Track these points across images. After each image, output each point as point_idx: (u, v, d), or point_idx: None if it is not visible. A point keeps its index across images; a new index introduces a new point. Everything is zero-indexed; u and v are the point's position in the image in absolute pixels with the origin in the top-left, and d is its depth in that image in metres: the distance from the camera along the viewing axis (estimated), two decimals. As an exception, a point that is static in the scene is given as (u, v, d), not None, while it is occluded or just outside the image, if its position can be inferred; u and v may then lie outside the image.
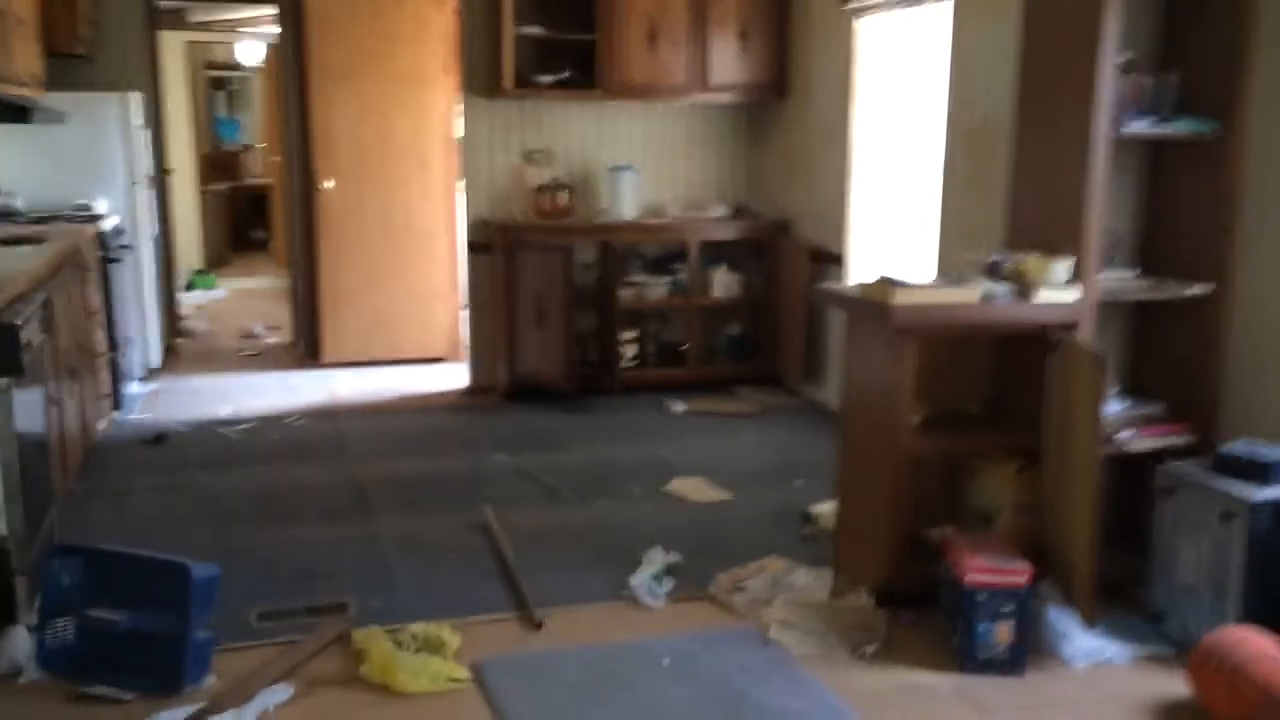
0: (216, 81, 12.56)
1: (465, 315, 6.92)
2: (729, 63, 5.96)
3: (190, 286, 9.77)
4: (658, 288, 6.06)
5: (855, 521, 3.55)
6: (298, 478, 4.64)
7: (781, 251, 6.06)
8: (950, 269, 4.52)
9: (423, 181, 6.79)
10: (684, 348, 6.17)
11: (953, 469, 3.62)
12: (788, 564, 3.74)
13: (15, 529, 2.98)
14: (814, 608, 3.40)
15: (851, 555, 3.57)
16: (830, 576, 3.62)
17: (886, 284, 3.21)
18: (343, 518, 4.17)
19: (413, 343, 6.92)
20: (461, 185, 6.38)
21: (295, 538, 3.94)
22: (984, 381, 3.62)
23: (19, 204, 5.85)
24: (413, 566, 3.68)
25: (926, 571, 3.37)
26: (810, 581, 3.59)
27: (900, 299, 3.14)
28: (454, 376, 6.54)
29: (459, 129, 6.53)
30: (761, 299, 6.22)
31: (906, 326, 3.17)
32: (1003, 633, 3.06)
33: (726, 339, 6.32)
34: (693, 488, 4.54)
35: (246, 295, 9.66)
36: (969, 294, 3.21)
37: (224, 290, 9.86)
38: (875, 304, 3.24)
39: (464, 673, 2.96)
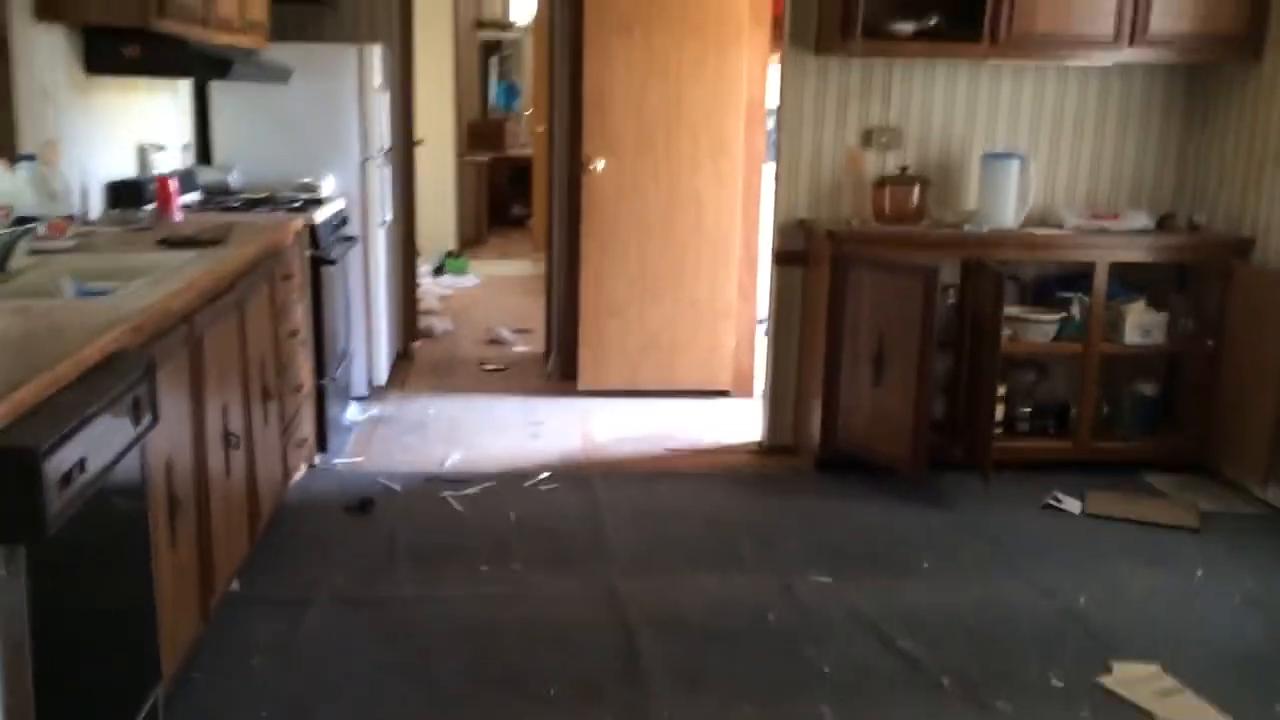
0: (489, 44, 11.52)
1: (761, 339, 5.37)
2: (1176, 2, 4.07)
3: (439, 270, 8.73)
4: (1041, 326, 4.28)
5: None
6: (537, 599, 3.21)
7: (1236, 283, 4.14)
8: None
9: (718, 166, 5.24)
10: (1071, 412, 4.38)
11: None
12: None
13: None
14: None
15: None
16: None
17: None
18: (600, 698, 2.70)
19: (691, 370, 5.43)
20: (770, 173, 4.80)
21: (525, 737, 2.51)
22: None
23: (234, 179, 4.76)
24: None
25: None
26: None
27: None
28: (741, 421, 5.00)
29: (772, 97, 4.96)
30: (1194, 349, 4.32)
31: None
32: None
33: (1134, 402, 4.46)
34: (1151, 688, 2.79)
35: (500, 284, 8.50)
36: None
37: (476, 277, 8.74)
38: None
39: None
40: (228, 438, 2.90)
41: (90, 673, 1.91)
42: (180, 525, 2.48)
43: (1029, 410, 4.41)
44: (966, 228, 4.22)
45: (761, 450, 4.64)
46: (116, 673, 2.04)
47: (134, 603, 2.13)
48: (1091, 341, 4.23)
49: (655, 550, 3.58)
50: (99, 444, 1.81)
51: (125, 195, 3.86)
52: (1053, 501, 4.01)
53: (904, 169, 4.38)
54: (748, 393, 5.42)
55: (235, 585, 3.15)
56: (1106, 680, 2.83)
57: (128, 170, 4.04)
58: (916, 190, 4.32)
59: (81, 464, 1.72)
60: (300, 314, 3.96)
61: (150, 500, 2.22)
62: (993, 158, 4.29)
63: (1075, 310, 4.29)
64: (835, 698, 2.69)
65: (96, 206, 3.72)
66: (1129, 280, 4.33)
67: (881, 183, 4.34)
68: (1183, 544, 3.71)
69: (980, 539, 3.71)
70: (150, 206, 3.85)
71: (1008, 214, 4.24)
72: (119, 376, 1.95)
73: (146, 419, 2.08)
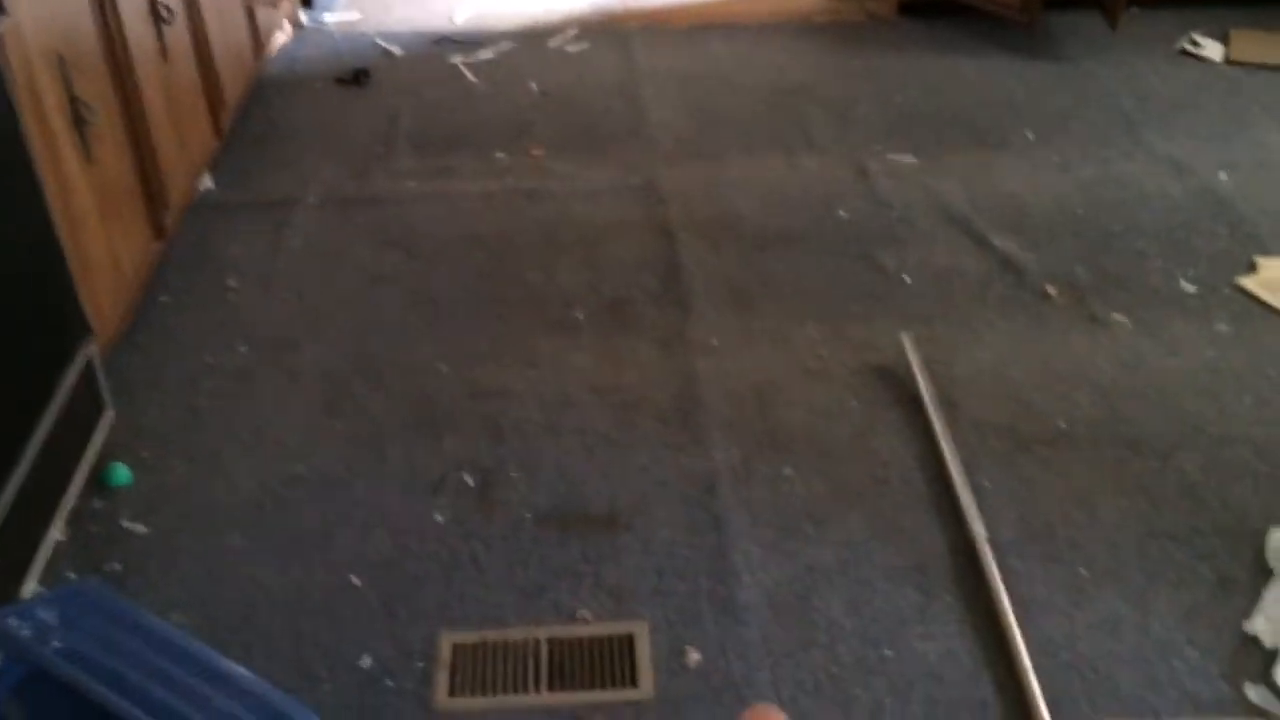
0: None
1: None
2: None
3: None
4: None
5: None
6: (561, 196, 2.70)
7: None
8: None
9: None
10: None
11: None
12: None
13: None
14: None
15: None
16: None
17: None
18: (634, 321, 2.27)
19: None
20: None
21: (549, 374, 2.11)
22: None
23: None
24: (773, 512, 1.80)
25: None
26: None
27: None
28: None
29: None
30: None
31: None
32: None
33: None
34: (1304, 292, 2.30)
35: None
36: None
37: None
38: None
39: None
40: (155, 9, 2.28)
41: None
42: (95, 135, 1.95)
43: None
44: None
45: (831, -10, 3.86)
46: (25, 335, 1.63)
47: (30, 248, 1.67)
48: None
49: (704, 128, 3.00)
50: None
51: None
52: (1189, 46, 3.29)
53: None
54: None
55: (208, 183, 2.69)
56: (1248, 282, 2.33)
57: None
58: None
59: None
60: None
61: (30, 113, 1.69)
62: None
63: None
64: (916, 314, 2.24)
65: None
66: None
67: None
68: (1349, 99, 3.03)
69: (1098, 100, 3.06)
70: None
71: None
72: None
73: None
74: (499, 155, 2.88)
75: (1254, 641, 1.57)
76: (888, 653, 1.55)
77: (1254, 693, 1.49)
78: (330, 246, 2.51)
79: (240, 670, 1.32)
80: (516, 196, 2.69)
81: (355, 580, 1.68)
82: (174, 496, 1.83)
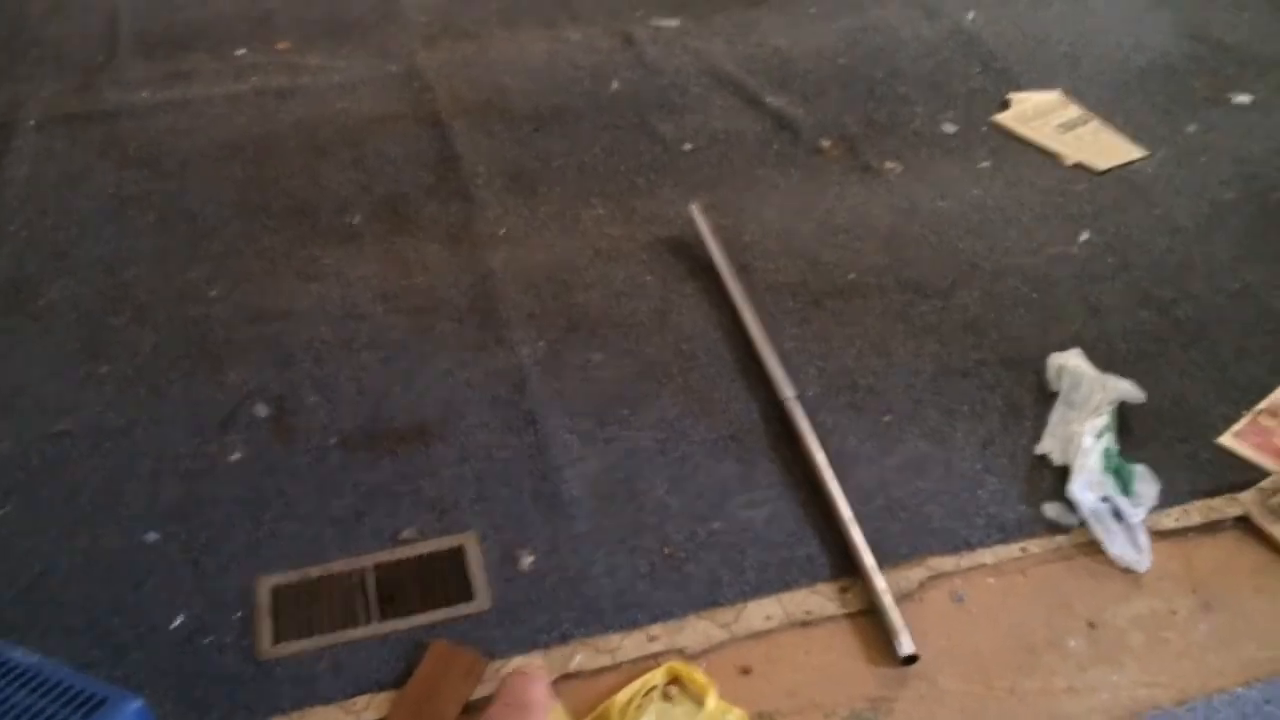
0: None
1: None
2: None
3: None
4: None
5: None
6: (317, 92, 2.51)
7: None
8: None
9: None
10: None
11: None
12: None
13: None
14: None
15: None
16: None
17: None
18: (416, 219, 2.15)
19: None
20: None
21: (333, 287, 1.99)
22: None
23: None
24: (586, 401, 1.77)
25: None
26: None
27: None
28: None
29: None
30: None
31: None
32: None
33: None
34: (1053, 122, 2.41)
35: None
36: None
37: None
38: None
39: None
40: None
41: None
42: None
43: None
44: None
45: None
46: None
47: None
48: None
49: (459, 4, 2.84)
50: None
51: None
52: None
53: None
54: None
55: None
56: (1004, 118, 2.43)
57: None
58: None
59: None
60: None
61: None
62: None
63: None
64: (700, 182, 2.23)
65: None
66: None
67: None
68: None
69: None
70: None
71: None
72: None
73: None
74: (240, 52, 2.64)
75: (1044, 461, 1.67)
76: (716, 525, 1.58)
77: (1051, 510, 1.60)
78: (62, 171, 2.26)
79: (34, 659, 1.21)
80: (266, 97, 2.49)
81: (151, 536, 1.56)
82: (-77, 475, 1.64)
